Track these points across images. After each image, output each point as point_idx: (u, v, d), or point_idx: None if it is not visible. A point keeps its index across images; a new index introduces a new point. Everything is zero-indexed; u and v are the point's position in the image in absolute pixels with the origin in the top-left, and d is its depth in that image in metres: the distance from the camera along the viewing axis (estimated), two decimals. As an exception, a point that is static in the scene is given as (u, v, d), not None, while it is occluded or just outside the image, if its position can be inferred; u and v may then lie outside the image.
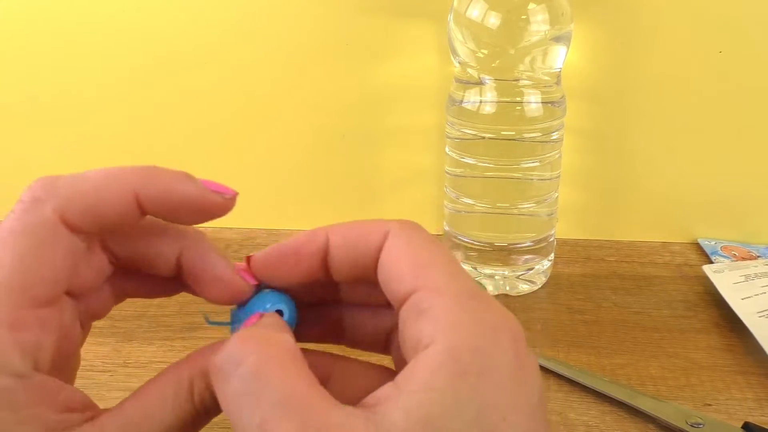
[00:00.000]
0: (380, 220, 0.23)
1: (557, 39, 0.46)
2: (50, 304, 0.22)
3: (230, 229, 0.60)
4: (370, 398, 0.19)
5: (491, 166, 0.48)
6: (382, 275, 0.22)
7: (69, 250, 0.22)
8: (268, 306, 0.24)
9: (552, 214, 0.51)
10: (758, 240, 0.57)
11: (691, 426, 0.36)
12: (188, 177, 0.24)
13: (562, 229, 0.56)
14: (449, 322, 0.19)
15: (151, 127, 0.59)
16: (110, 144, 0.59)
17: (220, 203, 0.23)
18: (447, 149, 0.50)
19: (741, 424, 0.37)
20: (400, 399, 0.18)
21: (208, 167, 0.59)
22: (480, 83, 0.47)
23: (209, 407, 0.22)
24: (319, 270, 0.24)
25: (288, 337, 0.21)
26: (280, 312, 0.24)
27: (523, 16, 0.45)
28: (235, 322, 0.24)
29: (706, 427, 0.36)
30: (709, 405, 0.39)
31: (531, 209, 0.49)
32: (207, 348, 0.23)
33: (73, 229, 0.22)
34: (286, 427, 0.18)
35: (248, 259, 0.24)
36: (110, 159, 0.60)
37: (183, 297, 0.26)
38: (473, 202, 0.50)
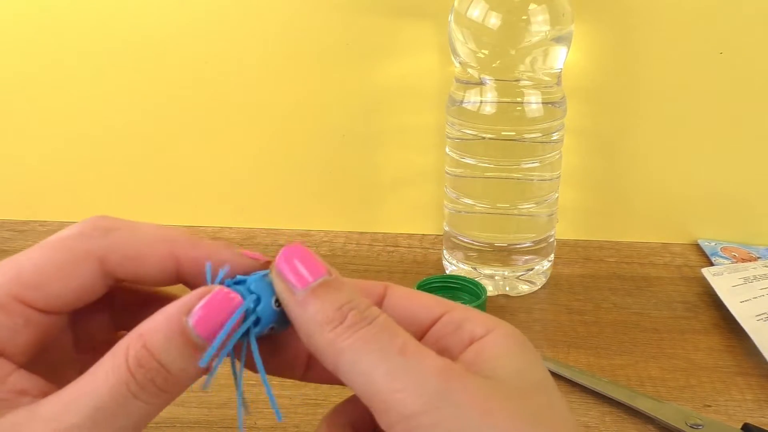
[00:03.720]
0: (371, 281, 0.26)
1: (558, 39, 0.46)
2: (45, 313, 0.23)
3: (230, 228, 0.60)
4: None
5: (491, 166, 0.48)
6: (395, 311, 0.24)
7: (88, 286, 0.23)
8: None
9: (552, 214, 0.51)
10: (758, 241, 0.57)
11: (691, 427, 0.36)
12: (228, 246, 0.25)
13: (562, 230, 0.56)
14: (494, 322, 0.23)
15: (151, 127, 0.59)
16: (111, 144, 0.59)
17: (255, 268, 0.25)
18: (447, 149, 0.50)
19: (740, 425, 0.37)
20: (482, 365, 0.22)
21: (208, 167, 0.59)
22: (480, 83, 0.47)
23: (147, 369, 0.21)
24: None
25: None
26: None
27: (523, 17, 0.45)
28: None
29: (705, 428, 0.36)
30: (709, 406, 0.39)
31: (531, 210, 0.49)
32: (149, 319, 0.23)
33: (108, 272, 0.24)
34: (426, 351, 0.21)
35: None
36: (111, 159, 0.60)
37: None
38: (473, 203, 0.50)
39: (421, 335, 0.24)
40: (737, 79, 0.53)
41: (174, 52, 0.56)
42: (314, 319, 0.21)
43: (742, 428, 0.36)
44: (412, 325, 0.24)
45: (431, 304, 0.25)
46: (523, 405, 0.21)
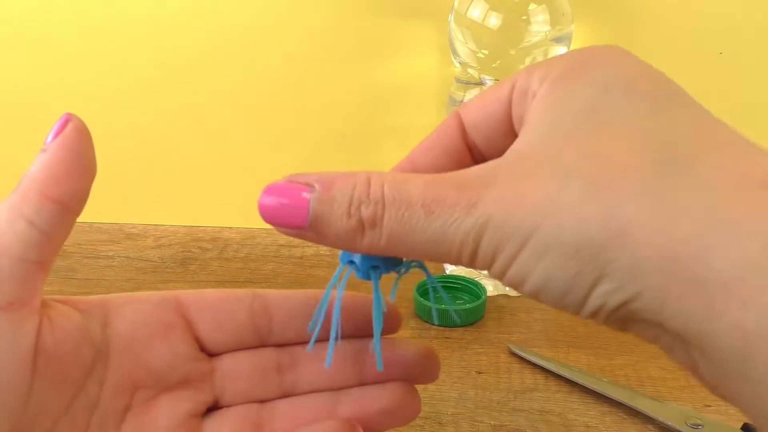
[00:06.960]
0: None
1: (558, 40, 0.46)
2: None
3: (230, 228, 0.60)
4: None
5: (491, 166, 0.48)
6: (473, 133, 0.23)
7: None
8: None
9: (552, 214, 0.51)
10: (758, 241, 0.57)
11: (691, 427, 0.36)
12: None
13: (562, 230, 0.56)
14: (548, 69, 0.21)
15: (151, 127, 0.59)
16: (111, 144, 0.59)
17: None
18: (447, 149, 0.50)
19: (740, 425, 0.37)
20: (520, 141, 0.20)
21: (208, 167, 0.59)
22: (480, 83, 0.47)
23: None
24: (463, 149, 0.24)
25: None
26: None
27: (523, 17, 0.45)
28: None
29: (705, 428, 0.36)
30: (709, 406, 0.39)
31: (531, 210, 0.49)
32: None
33: None
34: (445, 194, 0.19)
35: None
36: (111, 159, 0.60)
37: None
38: (473, 203, 0.50)
39: (508, 123, 0.22)
40: (737, 79, 0.53)
41: (174, 53, 0.56)
42: (342, 238, 0.20)
43: (742, 428, 0.36)
44: (498, 123, 0.22)
45: (498, 94, 0.22)
46: (522, 197, 0.18)
